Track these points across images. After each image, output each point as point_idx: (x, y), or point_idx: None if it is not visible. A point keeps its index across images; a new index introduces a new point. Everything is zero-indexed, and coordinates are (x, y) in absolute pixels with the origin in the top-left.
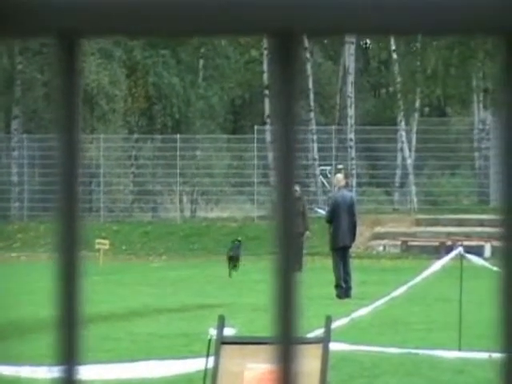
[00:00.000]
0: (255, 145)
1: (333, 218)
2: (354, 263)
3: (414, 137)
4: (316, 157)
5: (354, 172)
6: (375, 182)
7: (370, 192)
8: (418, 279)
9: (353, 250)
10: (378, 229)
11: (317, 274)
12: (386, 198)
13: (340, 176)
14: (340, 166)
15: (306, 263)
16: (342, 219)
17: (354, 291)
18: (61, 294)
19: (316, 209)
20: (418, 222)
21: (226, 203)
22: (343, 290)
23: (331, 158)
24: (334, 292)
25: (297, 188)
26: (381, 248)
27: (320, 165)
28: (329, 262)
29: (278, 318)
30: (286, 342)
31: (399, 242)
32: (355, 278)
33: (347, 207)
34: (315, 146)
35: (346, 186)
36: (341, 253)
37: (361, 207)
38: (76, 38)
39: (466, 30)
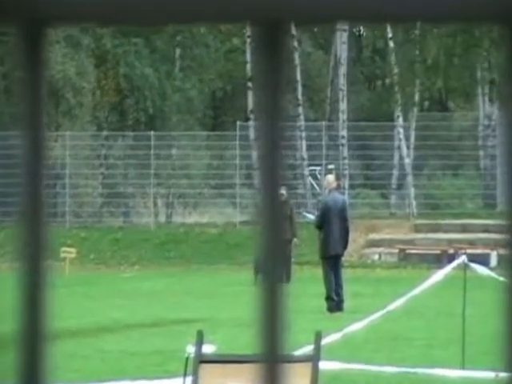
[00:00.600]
0: (237, 142)
1: (323, 223)
2: (346, 273)
3: (412, 134)
4: (304, 156)
5: (346, 173)
6: (370, 184)
7: (364, 195)
8: (417, 291)
9: (345, 259)
10: (373, 235)
11: (306, 284)
12: (382, 201)
13: (331, 177)
14: (331, 166)
15: (294, 273)
16: (333, 225)
17: (346, 304)
18: (25, 307)
19: (305, 213)
20: (418, 228)
21: (205, 207)
22: (335, 302)
23: (321, 158)
24: (324, 305)
25: (283, 190)
26: (376, 256)
27: (309, 165)
28: (319, 272)
29: (263, 333)
30: (271, 361)
31: (396, 250)
32: (348, 289)
33: (339, 211)
34: (304, 143)
35: (338, 188)
36: (332, 262)
37: (354, 211)
38: (42, 27)
39: (468, 18)
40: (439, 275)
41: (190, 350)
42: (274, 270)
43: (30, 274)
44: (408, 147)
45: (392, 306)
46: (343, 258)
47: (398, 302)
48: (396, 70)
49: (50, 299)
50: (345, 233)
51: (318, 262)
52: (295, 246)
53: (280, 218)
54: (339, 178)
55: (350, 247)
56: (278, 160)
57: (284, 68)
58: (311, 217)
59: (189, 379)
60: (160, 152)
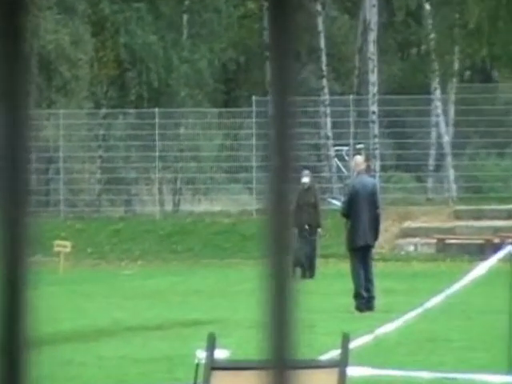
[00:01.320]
0: (254, 120)
1: (350, 210)
2: (377, 267)
3: (452, 108)
4: (330, 134)
5: (377, 153)
6: (404, 166)
7: (397, 178)
8: (457, 286)
9: (376, 251)
10: (408, 224)
11: (332, 280)
12: (418, 185)
13: (360, 158)
14: (360, 146)
15: (319, 267)
16: (362, 212)
17: (377, 302)
18: (2, 312)
19: (330, 199)
20: (458, 215)
21: (216, 194)
22: (364, 300)
23: (349, 136)
24: (352, 303)
25: (306, 177)
26: (411, 248)
27: (335, 145)
28: (346, 266)
29: (271, 336)
30: (278, 366)
31: (434, 241)
32: (379, 285)
33: (369, 197)
34: (328, 120)
35: (368, 170)
36: (361, 254)
37: (386, 197)
38: None
39: None
40: (482, 268)
41: (201, 355)
42: (281, 263)
43: (9, 272)
44: (447, 123)
45: (429, 304)
46: (374, 250)
47: (436, 300)
48: (433, 36)
49: (33, 300)
50: (375, 221)
51: (346, 255)
52: (320, 237)
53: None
54: (369, 159)
55: (382, 237)
56: (287, 141)
57: (295, 33)
58: (337, 203)
59: None
60: (166, 132)
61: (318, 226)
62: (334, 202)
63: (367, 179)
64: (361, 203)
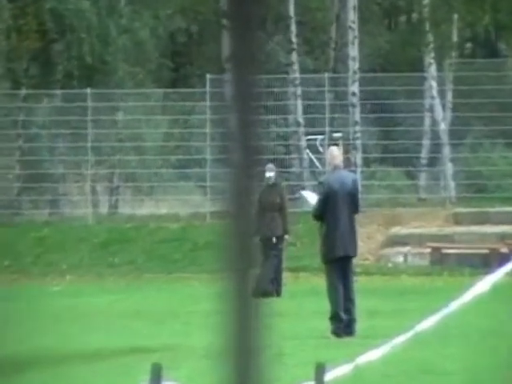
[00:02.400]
0: (207, 103)
1: (326, 213)
2: (359, 282)
3: (450, 89)
4: (300, 121)
5: (358, 143)
6: (391, 159)
7: (383, 174)
8: (455, 305)
9: (357, 263)
10: (397, 230)
11: (303, 299)
12: (408, 182)
13: (336, 150)
14: (337, 135)
15: (287, 284)
16: (339, 215)
17: (359, 325)
18: None
19: (301, 192)
20: (457, 219)
21: (162, 193)
22: (343, 323)
23: (324, 123)
24: (329, 327)
25: (270, 171)
26: (400, 258)
27: (307, 133)
28: (321, 282)
29: (232, 367)
30: None
31: (428, 250)
32: (361, 304)
33: (348, 196)
34: (299, 104)
35: (347, 164)
36: (339, 267)
37: (369, 197)
38: None
39: None
40: (486, 283)
41: None
42: (243, 278)
43: None
44: (444, 107)
45: (421, 327)
46: (354, 262)
47: (430, 322)
48: (426, 1)
49: None
50: (356, 226)
51: (320, 268)
52: (287, 246)
53: (251, 210)
54: (348, 151)
55: (365, 246)
56: (249, 129)
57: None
58: (310, 200)
59: None
60: (100, 117)
61: (285, 232)
62: (306, 196)
63: (346, 175)
64: (339, 204)
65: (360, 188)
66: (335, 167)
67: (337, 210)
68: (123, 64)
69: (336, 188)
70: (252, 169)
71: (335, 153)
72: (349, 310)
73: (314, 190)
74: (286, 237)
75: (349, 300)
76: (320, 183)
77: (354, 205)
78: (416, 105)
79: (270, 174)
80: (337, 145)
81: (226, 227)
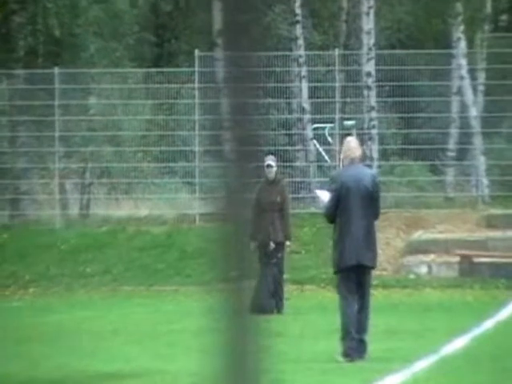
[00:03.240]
0: (196, 85)
1: (337, 215)
2: (375, 297)
3: (482, 68)
4: (306, 106)
5: (374, 133)
6: (413, 151)
7: (403, 169)
8: (488, 324)
9: (375, 274)
10: (419, 235)
11: (308, 316)
12: (433, 178)
13: (355, 141)
14: (350, 123)
15: (289, 298)
16: (353, 217)
17: (374, 346)
18: None
19: (316, 191)
20: (491, 222)
21: (144, 191)
22: (356, 344)
23: (333, 109)
24: (339, 348)
25: (271, 163)
26: (424, 269)
27: (314, 121)
28: (330, 296)
29: None
30: None
31: (457, 259)
32: (377, 322)
33: (365, 197)
34: (305, 86)
35: (362, 158)
36: (352, 278)
37: (387, 196)
38: None
39: None
40: None
41: None
42: (239, 292)
43: None
44: (475, 90)
45: (448, 350)
46: (371, 272)
47: (458, 343)
48: None
49: None
50: (374, 231)
51: (330, 280)
52: (290, 254)
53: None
54: (363, 142)
55: (382, 254)
56: (246, 115)
57: None
58: (324, 198)
59: None
60: (69, 101)
61: (286, 237)
62: (322, 196)
63: (364, 171)
64: (353, 205)
65: (379, 186)
66: (352, 161)
67: (350, 212)
68: (96, 38)
69: (350, 185)
70: (248, 163)
71: (353, 144)
72: (363, 329)
73: (321, 187)
74: (288, 243)
75: (364, 316)
76: (331, 179)
77: (372, 208)
78: (442, 87)
79: (269, 169)
80: (349, 134)
81: (219, 232)
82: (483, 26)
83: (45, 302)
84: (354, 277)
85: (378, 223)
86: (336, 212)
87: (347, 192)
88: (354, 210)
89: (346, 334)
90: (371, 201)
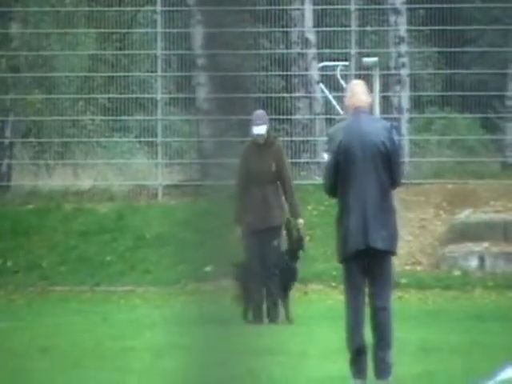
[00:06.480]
0: (159, 8)
1: (338, 185)
2: (404, 300)
3: None
4: (310, 37)
5: (404, 74)
6: (458, 100)
7: (445, 124)
8: None
9: (402, 269)
10: (467, 215)
11: (314, 328)
12: (486, 137)
13: (361, 84)
14: (370, 60)
15: (293, 301)
16: (359, 188)
17: (404, 368)
18: None
19: (324, 155)
20: None
21: (86, 155)
22: (363, 362)
23: (348, 42)
24: (347, 369)
25: (261, 118)
26: (474, 262)
27: (322, 57)
28: (343, 301)
29: None
30: None
31: None
32: (409, 336)
33: (373, 157)
34: (309, 10)
35: (384, 108)
36: (361, 269)
37: (422, 161)
38: None
39: None
40: None
41: None
42: (220, 292)
43: None
44: None
45: (507, 375)
46: (394, 262)
47: None
48: None
49: None
50: (390, 204)
51: (336, 274)
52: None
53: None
54: (389, 87)
55: (415, 242)
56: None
57: None
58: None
59: None
60: None
61: (294, 215)
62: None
63: (373, 123)
64: (359, 171)
65: (403, 146)
66: (357, 111)
67: (354, 180)
68: None
69: (353, 144)
70: (229, 115)
71: (358, 88)
72: (384, 345)
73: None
74: (300, 221)
75: (382, 327)
76: (328, 137)
77: (386, 173)
78: (500, 10)
79: (259, 127)
80: (370, 76)
81: (190, 211)
82: None
83: None
84: (363, 266)
85: (406, 199)
86: (336, 181)
87: (348, 153)
88: (360, 176)
89: (356, 351)
90: (384, 163)
